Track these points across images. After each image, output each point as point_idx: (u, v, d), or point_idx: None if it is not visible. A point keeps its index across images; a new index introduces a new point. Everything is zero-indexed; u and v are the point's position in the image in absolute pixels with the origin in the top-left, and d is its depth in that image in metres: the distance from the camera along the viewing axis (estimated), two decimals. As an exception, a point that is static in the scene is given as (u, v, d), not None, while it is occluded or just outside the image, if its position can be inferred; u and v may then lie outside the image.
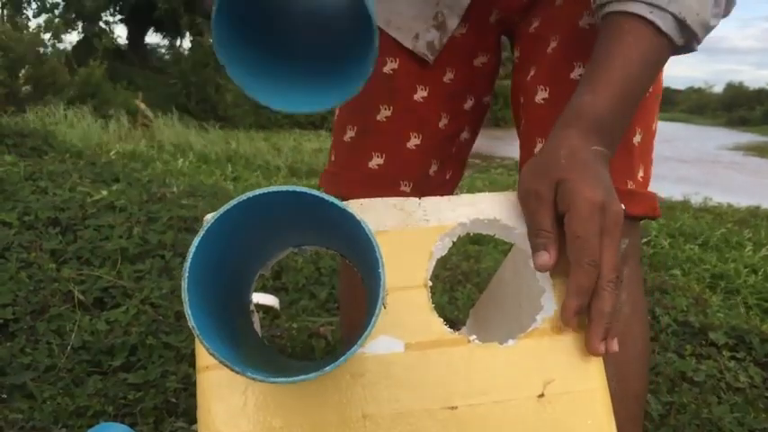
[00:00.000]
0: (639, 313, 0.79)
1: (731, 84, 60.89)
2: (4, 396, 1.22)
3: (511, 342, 0.52)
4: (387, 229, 0.54)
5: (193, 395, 1.21)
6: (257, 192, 0.38)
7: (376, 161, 0.86)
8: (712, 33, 0.66)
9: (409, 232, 0.54)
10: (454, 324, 0.53)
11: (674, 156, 11.85)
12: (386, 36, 0.85)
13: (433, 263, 0.54)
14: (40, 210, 2.17)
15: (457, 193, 0.66)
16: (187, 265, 0.37)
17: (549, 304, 0.54)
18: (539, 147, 0.77)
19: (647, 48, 0.60)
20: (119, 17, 17.07)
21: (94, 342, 1.42)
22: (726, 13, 0.65)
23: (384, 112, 0.86)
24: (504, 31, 0.88)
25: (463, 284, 2.06)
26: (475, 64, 0.88)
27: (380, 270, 0.38)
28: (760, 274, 2.87)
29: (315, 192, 0.38)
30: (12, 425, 1.12)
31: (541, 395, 0.51)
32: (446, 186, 0.92)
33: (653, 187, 0.80)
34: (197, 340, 0.49)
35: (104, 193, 2.53)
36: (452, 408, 0.51)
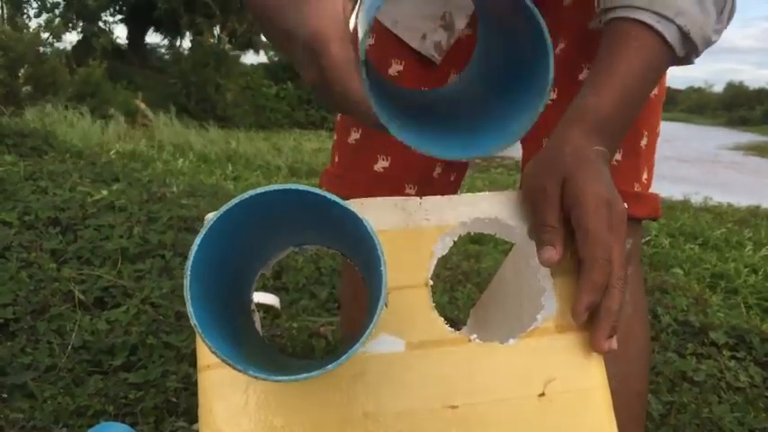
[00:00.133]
0: (641, 313, 0.80)
1: (731, 83, 60.99)
2: (5, 396, 1.22)
3: (512, 341, 0.52)
4: (387, 229, 0.54)
5: (194, 394, 1.21)
6: (259, 190, 0.38)
7: (381, 164, 0.86)
8: (713, 35, 0.67)
9: (410, 232, 0.54)
10: (455, 323, 0.53)
11: (674, 155, 11.86)
12: (391, 37, 0.85)
13: (434, 262, 0.54)
14: (40, 209, 2.17)
15: (457, 193, 0.66)
16: (189, 263, 0.37)
17: (550, 303, 0.54)
18: None
19: (650, 55, 0.62)
20: (119, 17, 17.08)
21: (95, 342, 1.42)
22: (725, 27, 0.66)
23: None
24: None
25: (464, 284, 2.06)
26: None
27: (382, 269, 0.38)
28: (760, 273, 2.88)
29: (316, 190, 0.38)
30: (12, 424, 1.12)
31: (542, 394, 0.51)
32: (450, 188, 0.92)
33: (653, 187, 0.81)
34: (198, 339, 0.49)
35: (104, 192, 2.53)
36: (453, 407, 0.51)
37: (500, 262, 0.80)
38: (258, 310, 0.54)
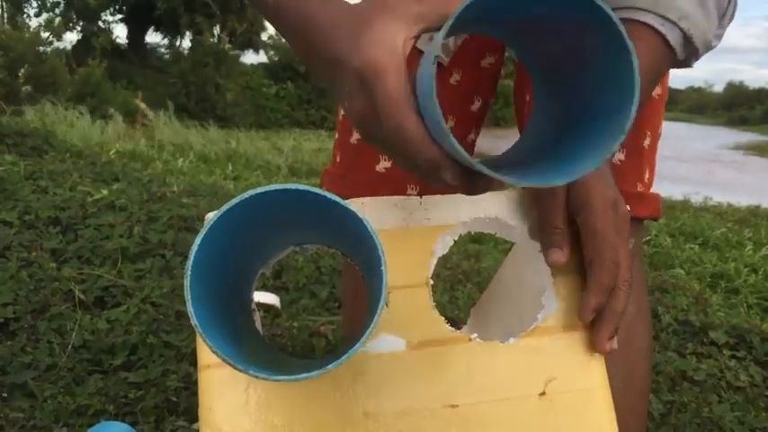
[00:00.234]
0: (643, 312, 0.80)
1: (731, 83, 60.98)
2: (5, 395, 1.22)
3: (512, 340, 0.53)
4: (388, 228, 0.54)
5: (194, 394, 1.21)
6: (259, 190, 0.38)
7: (383, 164, 0.86)
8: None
9: (410, 231, 0.54)
10: (455, 323, 0.53)
11: (674, 155, 11.85)
12: None
13: (435, 262, 0.54)
14: (40, 209, 2.17)
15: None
16: (189, 262, 0.37)
17: (550, 303, 0.54)
18: None
19: (652, 57, 0.62)
20: (119, 16, 17.07)
21: (95, 341, 1.42)
22: (724, 32, 0.67)
23: None
24: None
25: (464, 283, 2.06)
26: (482, 65, 0.87)
27: (382, 268, 0.38)
28: (760, 273, 2.88)
29: (317, 190, 0.38)
30: (12, 424, 1.12)
31: (543, 393, 0.51)
32: (452, 188, 0.92)
33: (653, 187, 0.81)
34: (199, 338, 0.49)
35: (105, 192, 2.53)
36: (454, 406, 0.51)
37: (500, 261, 0.80)
38: (258, 310, 0.54)
